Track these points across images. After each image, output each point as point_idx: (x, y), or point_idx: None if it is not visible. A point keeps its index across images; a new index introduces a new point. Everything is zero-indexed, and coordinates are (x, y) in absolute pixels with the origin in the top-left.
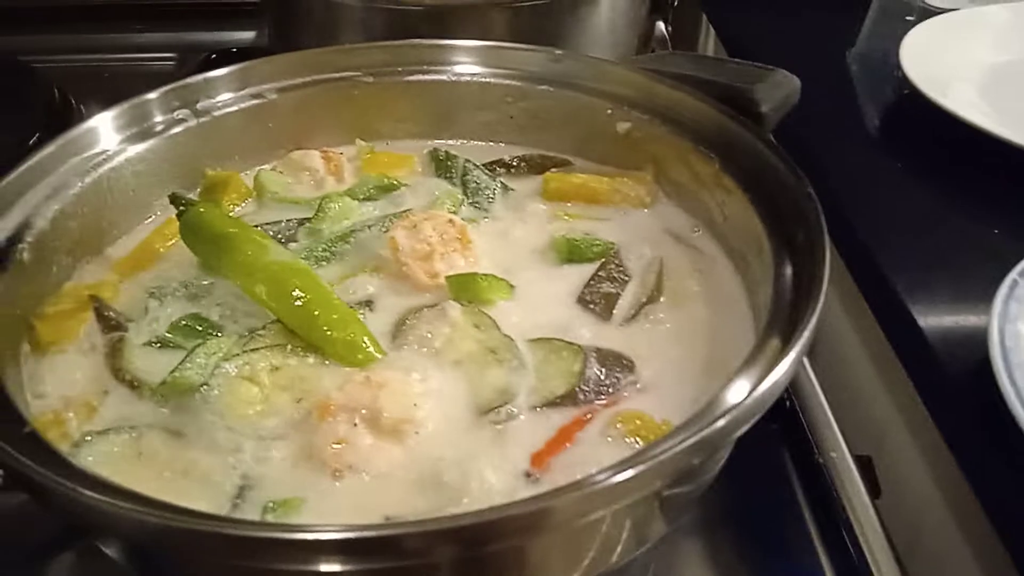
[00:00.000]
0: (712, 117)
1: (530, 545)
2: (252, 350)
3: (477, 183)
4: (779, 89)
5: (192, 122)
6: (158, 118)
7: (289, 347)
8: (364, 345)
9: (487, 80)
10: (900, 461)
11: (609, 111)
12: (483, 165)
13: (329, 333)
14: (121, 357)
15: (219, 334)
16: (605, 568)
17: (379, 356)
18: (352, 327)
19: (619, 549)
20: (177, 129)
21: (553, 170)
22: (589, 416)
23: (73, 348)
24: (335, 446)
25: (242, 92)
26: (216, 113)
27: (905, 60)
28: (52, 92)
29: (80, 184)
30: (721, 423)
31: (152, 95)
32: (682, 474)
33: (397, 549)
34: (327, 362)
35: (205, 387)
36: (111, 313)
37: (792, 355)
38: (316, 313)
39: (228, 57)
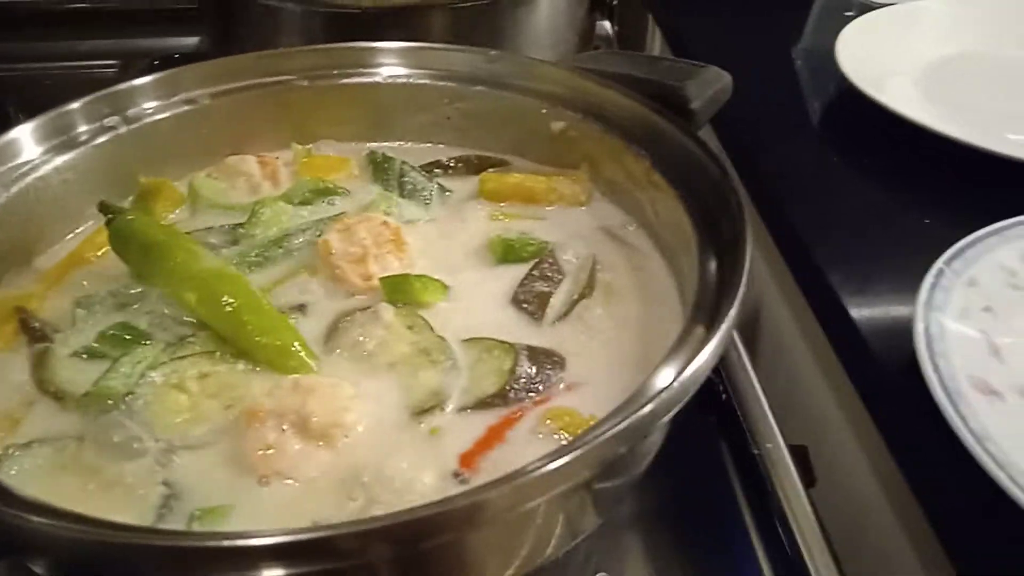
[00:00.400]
0: (642, 115)
1: (464, 541)
2: (180, 357)
3: (414, 185)
4: (709, 85)
5: (122, 129)
6: (82, 128)
7: (218, 354)
8: (295, 351)
9: (422, 82)
10: (837, 451)
11: (544, 110)
12: (420, 167)
13: (259, 340)
14: (46, 368)
15: (148, 342)
16: (542, 560)
17: (310, 362)
18: (283, 333)
19: (553, 541)
20: (105, 137)
21: (490, 170)
22: (519, 414)
23: None
24: (263, 452)
25: (174, 98)
26: (147, 120)
27: (841, 55)
28: None
29: (5, 195)
30: (646, 410)
31: (75, 104)
32: (610, 463)
33: (329, 551)
34: (257, 368)
35: (130, 396)
36: (36, 324)
37: (715, 340)
38: (245, 319)
39: (171, 63)
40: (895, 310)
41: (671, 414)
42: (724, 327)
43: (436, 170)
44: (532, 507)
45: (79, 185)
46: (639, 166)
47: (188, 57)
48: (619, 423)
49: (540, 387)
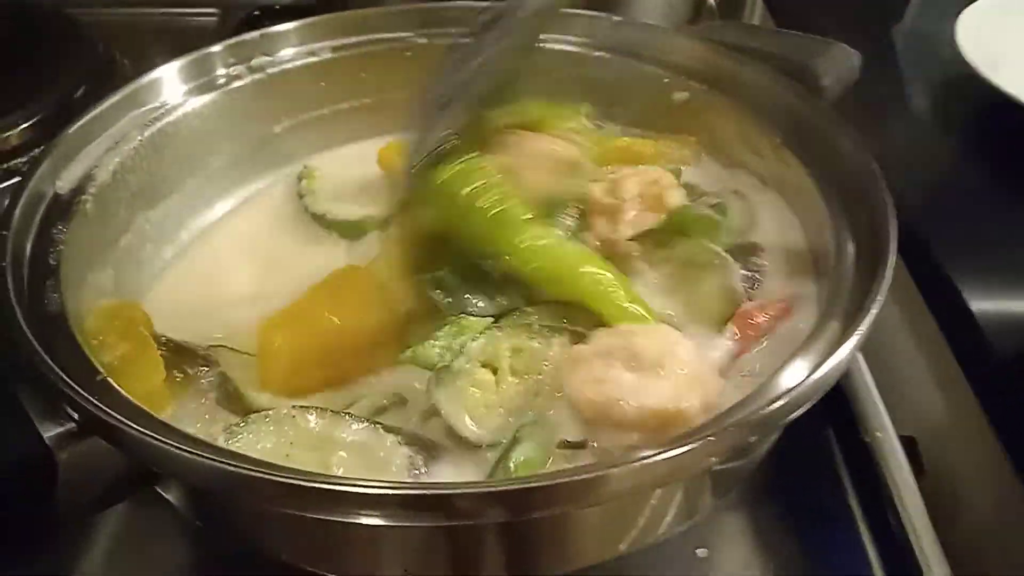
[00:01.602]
0: (774, 90)
1: (580, 514)
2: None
3: None
4: (840, 63)
5: (248, 78)
6: (219, 71)
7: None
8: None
9: (541, 44)
10: (945, 443)
11: (666, 80)
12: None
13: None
14: None
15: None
16: (652, 539)
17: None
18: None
19: (668, 520)
20: (237, 84)
21: None
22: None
23: None
24: (595, 383)
25: (298, 49)
26: (271, 70)
27: (961, 37)
28: (96, 45)
29: (139, 137)
30: (776, 405)
31: (214, 48)
32: (735, 452)
33: (447, 509)
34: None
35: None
36: None
37: (852, 342)
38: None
39: (272, 14)
40: (1013, 303)
41: (801, 411)
42: (863, 329)
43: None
44: (654, 487)
45: (205, 133)
46: (767, 142)
47: (288, 8)
48: (749, 416)
49: None
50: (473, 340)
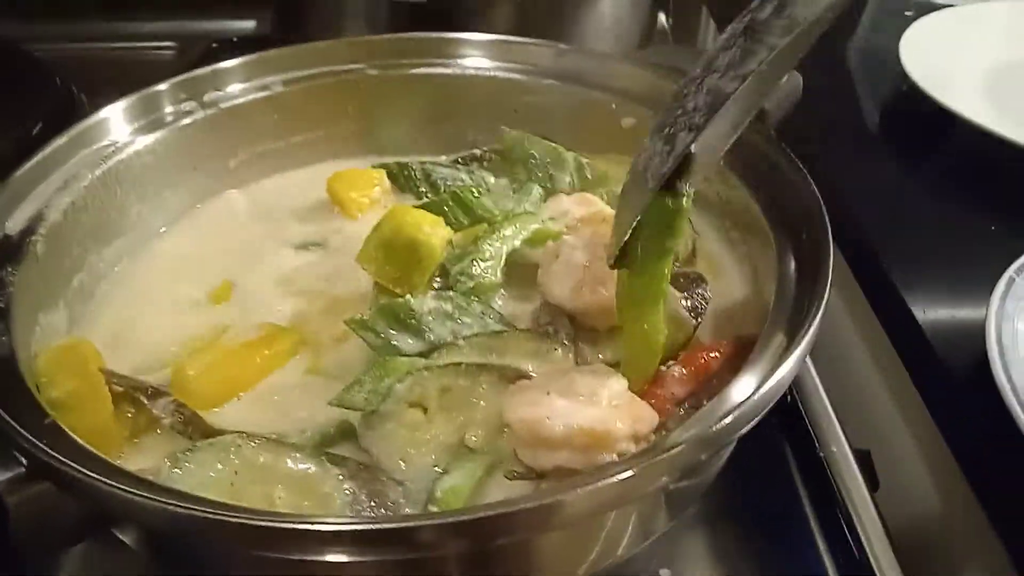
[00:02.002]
0: None
1: (538, 540)
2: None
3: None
4: (783, 86)
5: (199, 114)
6: (168, 109)
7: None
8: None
9: (493, 74)
10: (898, 455)
11: (613, 106)
12: (456, 159)
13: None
14: None
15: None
16: (611, 560)
17: None
18: None
19: (625, 542)
20: (186, 121)
21: None
22: None
23: None
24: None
25: (249, 84)
26: (223, 105)
27: (905, 56)
28: (55, 80)
29: (91, 176)
30: (726, 421)
31: (162, 86)
32: (688, 470)
33: (407, 541)
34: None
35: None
36: None
37: (797, 352)
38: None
39: (230, 47)
40: (962, 316)
41: (752, 424)
42: (807, 339)
43: (472, 163)
44: (609, 510)
45: (156, 168)
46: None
47: (246, 40)
48: (700, 432)
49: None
50: (400, 382)
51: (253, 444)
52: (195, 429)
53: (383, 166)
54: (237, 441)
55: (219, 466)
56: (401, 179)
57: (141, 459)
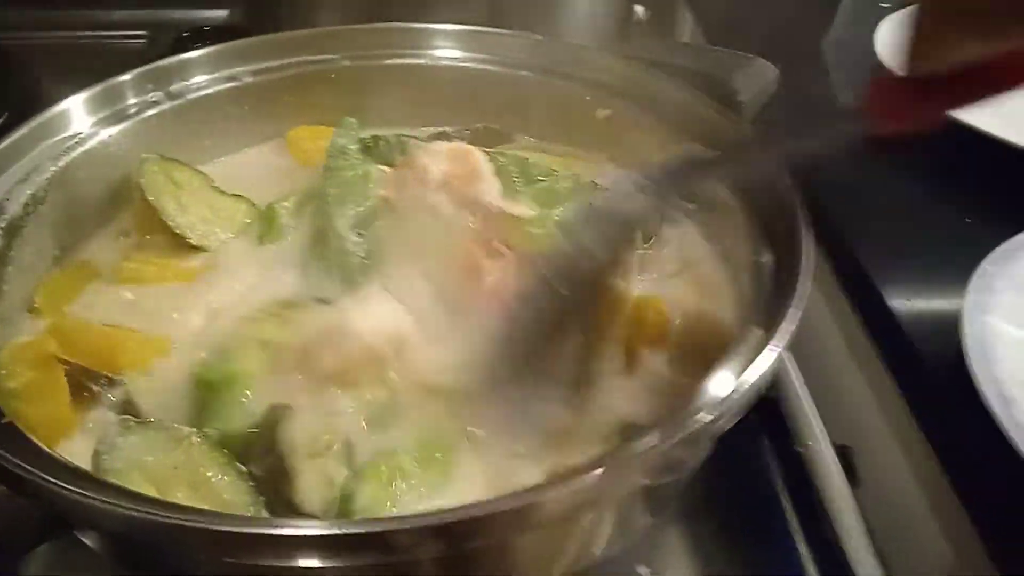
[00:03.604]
0: (692, 106)
1: (514, 540)
2: None
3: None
4: (757, 78)
5: (165, 105)
6: (131, 100)
7: None
8: None
9: (466, 65)
10: (878, 450)
11: (588, 97)
12: (426, 138)
13: None
14: None
15: None
16: (590, 560)
17: None
18: None
19: (603, 542)
20: (151, 112)
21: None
22: None
23: None
24: None
25: (217, 74)
26: (190, 96)
27: (880, 47)
28: (21, 70)
29: (53, 168)
30: (707, 419)
31: (126, 76)
32: (666, 468)
33: (380, 545)
34: None
35: None
36: None
37: (776, 346)
38: None
39: (200, 36)
40: (939, 309)
41: (730, 422)
42: (786, 334)
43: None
44: (586, 509)
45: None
46: None
47: (217, 29)
48: (678, 431)
49: None
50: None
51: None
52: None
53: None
54: (193, 440)
55: (162, 456)
56: (375, 152)
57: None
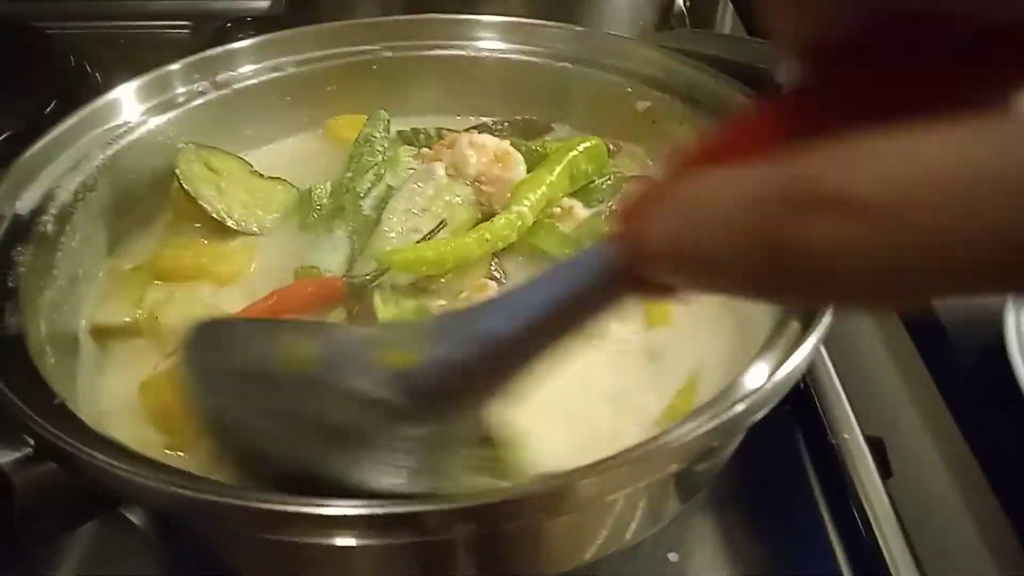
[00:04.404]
0: (734, 99)
1: (545, 524)
2: None
3: None
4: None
5: (212, 95)
6: (180, 89)
7: None
8: None
9: (508, 56)
10: (912, 444)
11: (629, 89)
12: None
13: None
14: None
15: None
16: (621, 545)
17: None
18: None
19: (633, 527)
20: (198, 101)
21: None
22: None
23: None
24: None
25: (261, 65)
26: (236, 86)
27: None
28: (68, 59)
29: (102, 156)
30: (740, 408)
31: (174, 66)
32: (699, 457)
33: (415, 525)
34: None
35: None
36: None
37: (812, 339)
38: None
39: (244, 26)
40: (978, 304)
41: (764, 412)
42: (822, 326)
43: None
44: (618, 495)
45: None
46: None
47: (260, 20)
48: (712, 419)
49: None
50: None
51: None
52: None
53: (397, 132)
54: None
55: None
56: (415, 142)
57: None
